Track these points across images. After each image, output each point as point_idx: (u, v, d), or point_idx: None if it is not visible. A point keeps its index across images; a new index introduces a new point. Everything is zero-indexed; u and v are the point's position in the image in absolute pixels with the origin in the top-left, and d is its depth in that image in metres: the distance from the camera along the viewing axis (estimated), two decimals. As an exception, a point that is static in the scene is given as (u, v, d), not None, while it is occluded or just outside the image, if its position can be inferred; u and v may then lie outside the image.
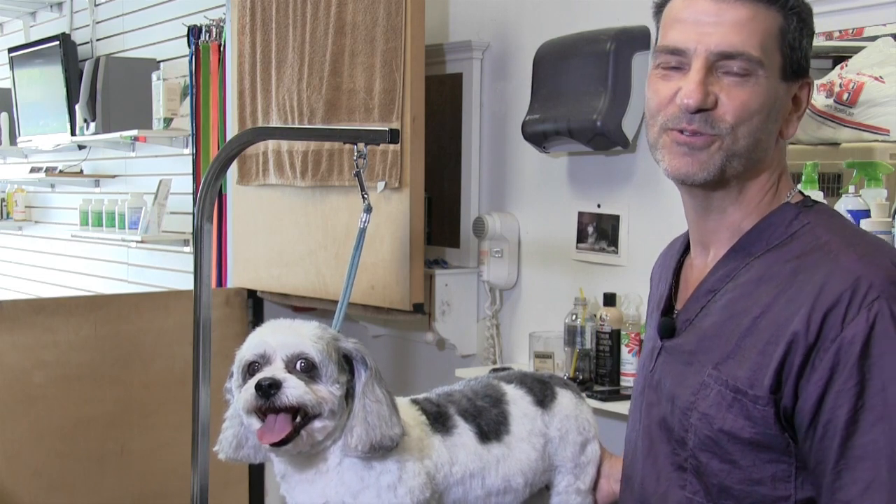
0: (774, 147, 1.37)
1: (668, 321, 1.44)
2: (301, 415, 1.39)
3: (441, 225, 3.35)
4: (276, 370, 1.39)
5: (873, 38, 2.45)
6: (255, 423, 1.40)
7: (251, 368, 1.42)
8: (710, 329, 1.36)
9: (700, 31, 1.30)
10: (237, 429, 1.50)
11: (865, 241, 1.32)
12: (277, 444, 1.38)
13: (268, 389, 1.36)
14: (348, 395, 1.44)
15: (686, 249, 1.51)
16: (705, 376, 1.33)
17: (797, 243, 1.32)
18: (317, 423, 1.40)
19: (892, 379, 1.20)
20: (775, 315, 1.27)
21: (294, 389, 1.37)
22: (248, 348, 1.43)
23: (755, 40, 1.29)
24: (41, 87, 5.46)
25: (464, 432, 1.53)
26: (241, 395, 1.40)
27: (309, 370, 1.40)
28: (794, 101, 1.37)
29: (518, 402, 1.60)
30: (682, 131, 1.32)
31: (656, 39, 1.39)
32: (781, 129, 1.37)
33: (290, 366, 1.40)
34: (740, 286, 1.34)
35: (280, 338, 1.42)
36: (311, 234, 3.29)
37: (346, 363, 1.45)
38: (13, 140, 5.88)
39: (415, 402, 1.55)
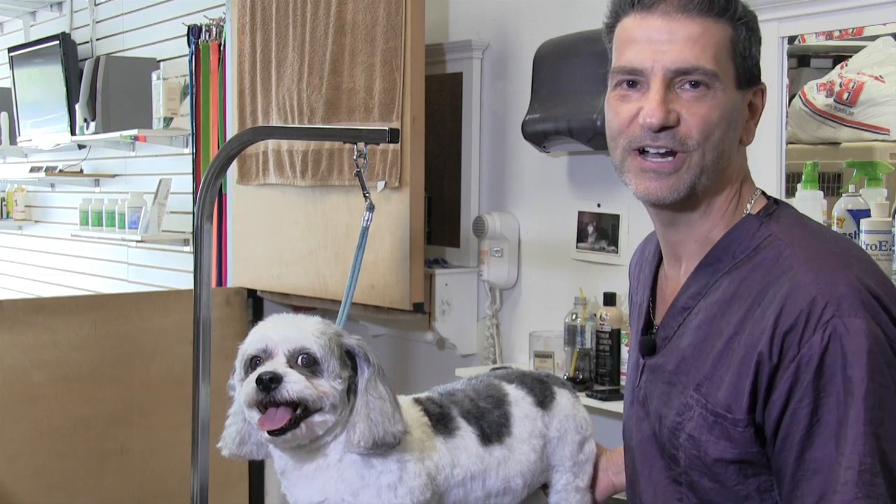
0: (736, 155, 1.40)
1: (648, 340, 1.47)
2: (301, 408, 1.39)
3: (441, 225, 3.35)
4: (277, 364, 1.39)
5: (873, 38, 2.46)
6: (256, 416, 1.41)
7: (253, 363, 1.43)
8: (687, 350, 1.38)
9: (654, 50, 1.33)
10: (240, 425, 1.50)
11: (827, 253, 1.32)
12: (276, 433, 1.38)
13: (268, 383, 1.37)
14: (350, 391, 1.44)
15: (661, 258, 1.53)
16: (688, 398, 1.36)
17: (761, 257, 1.34)
18: (317, 417, 1.40)
19: (847, 395, 1.22)
20: (745, 335, 1.30)
21: (294, 384, 1.37)
22: (251, 343, 1.44)
23: (709, 53, 1.32)
24: (41, 86, 5.46)
25: (466, 434, 1.53)
26: (243, 388, 1.40)
27: (310, 365, 1.41)
28: (749, 108, 1.40)
29: (520, 403, 1.60)
30: (644, 152, 1.35)
31: (610, 60, 1.43)
32: (741, 136, 1.39)
33: (291, 360, 1.41)
34: (711, 305, 1.37)
35: (282, 332, 1.42)
36: (311, 233, 3.29)
37: (349, 359, 1.46)
38: (13, 139, 5.88)
39: (417, 401, 1.55)
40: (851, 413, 1.21)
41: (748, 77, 1.37)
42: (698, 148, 1.33)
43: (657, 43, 1.33)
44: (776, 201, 1.43)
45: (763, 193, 1.44)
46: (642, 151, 1.36)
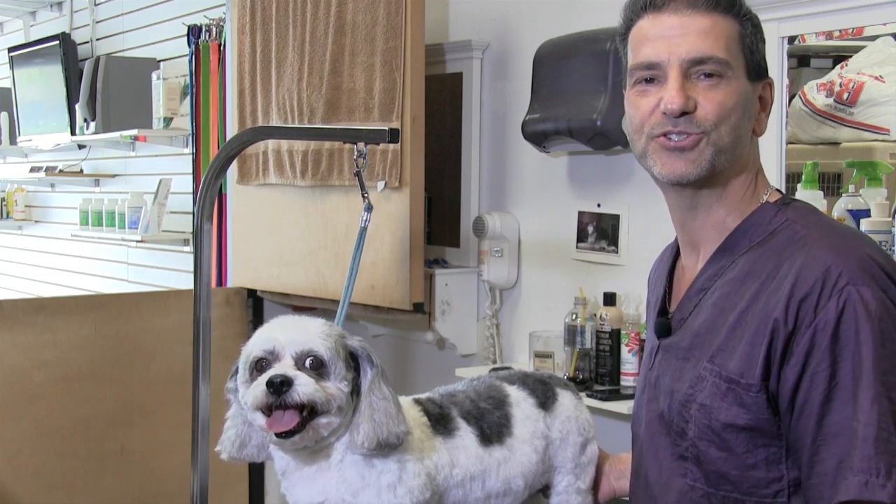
0: (750, 145, 1.47)
1: (663, 321, 1.53)
2: (308, 410, 1.39)
3: (441, 225, 3.35)
4: (285, 367, 1.39)
5: (873, 38, 2.46)
6: (261, 418, 1.40)
7: (259, 365, 1.42)
8: (702, 325, 1.44)
9: (670, 44, 1.41)
10: (240, 428, 1.49)
11: (839, 234, 1.41)
12: (285, 435, 1.38)
13: (280, 386, 1.36)
14: (353, 392, 1.44)
15: (678, 253, 1.59)
16: (701, 369, 1.41)
17: (777, 239, 1.41)
18: (323, 419, 1.40)
19: (862, 360, 1.28)
20: (760, 307, 1.36)
21: (305, 387, 1.37)
22: (257, 344, 1.43)
23: (721, 44, 1.41)
24: (41, 86, 5.46)
25: (465, 435, 1.53)
26: (251, 391, 1.39)
27: (318, 367, 1.40)
28: (760, 101, 1.47)
29: (521, 404, 1.60)
30: (668, 136, 1.42)
31: (625, 64, 1.50)
32: (754, 127, 1.47)
33: (299, 363, 1.40)
34: (727, 283, 1.43)
35: (289, 335, 1.42)
36: (311, 233, 3.29)
37: (352, 360, 1.46)
38: (13, 140, 5.88)
39: (417, 402, 1.55)
40: (866, 377, 1.27)
41: (757, 70, 1.45)
42: (715, 129, 1.40)
43: (671, 38, 1.41)
44: (791, 197, 1.50)
45: (777, 189, 1.50)
46: (663, 137, 1.43)
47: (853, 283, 1.30)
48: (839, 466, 1.27)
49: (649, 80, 1.43)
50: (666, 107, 1.39)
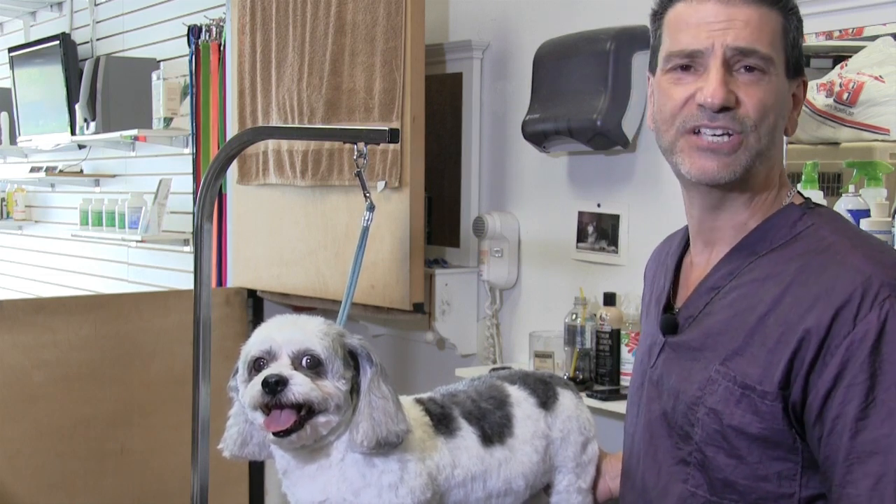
0: (780, 144, 1.41)
1: (670, 318, 1.46)
2: (306, 409, 1.39)
3: (441, 225, 3.35)
4: (282, 366, 1.39)
5: (873, 38, 2.46)
6: (260, 417, 1.41)
7: (257, 364, 1.42)
8: (715, 326, 1.37)
9: (712, 31, 1.33)
10: (242, 426, 1.50)
11: (870, 243, 1.34)
12: (282, 434, 1.38)
13: (274, 386, 1.36)
14: (353, 391, 1.44)
15: (686, 246, 1.53)
16: (712, 372, 1.35)
17: (801, 243, 1.35)
18: (321, 418, 1.40)
19: None
20: (783, 313, 1.29)
21: (300, 387, 1.37)
22: (254, 344, 1.44)
23: (766, 38, 1.33)
24: (41, 86, 5.46)
25: (467, 435, 1.53)
26: (248, 390, 1.40)
27: (315, 366, 1.41)
28: (793, 99, 1.41)
29: (522, 404, 1.60)
30: (702, 133, 1.34)
31: (656, 46, 1.41)
32: (786, 126, 1.40)
33: (296, 362, 1.40)
34: (745, 284, 1.36)
35: (286, 334, 1.42)
36: (311, 233, 3.30)
37: (352, 359, 1.46)
38: (13, 140, 5.88)
39: (419, 401, 1.55)
40: None
41: (795, 67, 1.38)
42: (755, 130, 1.34)
43: (714, 25, 1.33)
44: (814, 202, 1.44)
45: (799, 192, 1.45)
46: (697, 132, 1.36)
47: (895, 294, 1.24)
48: (875, 486, 1.21)
49: (685, 68, 1.35)
50: (705, 100, 1.32)
